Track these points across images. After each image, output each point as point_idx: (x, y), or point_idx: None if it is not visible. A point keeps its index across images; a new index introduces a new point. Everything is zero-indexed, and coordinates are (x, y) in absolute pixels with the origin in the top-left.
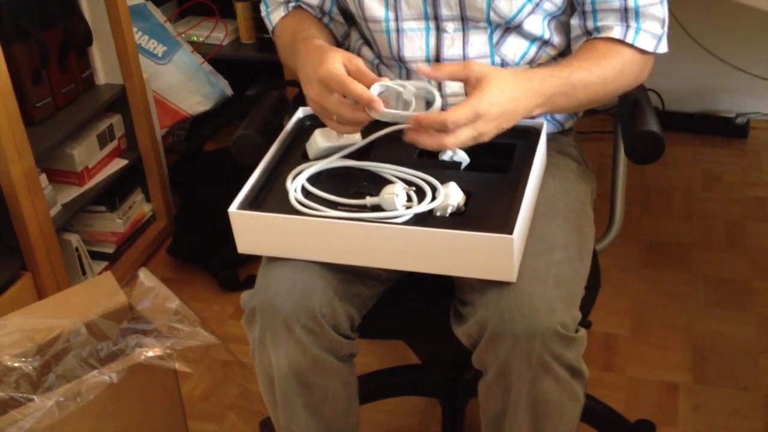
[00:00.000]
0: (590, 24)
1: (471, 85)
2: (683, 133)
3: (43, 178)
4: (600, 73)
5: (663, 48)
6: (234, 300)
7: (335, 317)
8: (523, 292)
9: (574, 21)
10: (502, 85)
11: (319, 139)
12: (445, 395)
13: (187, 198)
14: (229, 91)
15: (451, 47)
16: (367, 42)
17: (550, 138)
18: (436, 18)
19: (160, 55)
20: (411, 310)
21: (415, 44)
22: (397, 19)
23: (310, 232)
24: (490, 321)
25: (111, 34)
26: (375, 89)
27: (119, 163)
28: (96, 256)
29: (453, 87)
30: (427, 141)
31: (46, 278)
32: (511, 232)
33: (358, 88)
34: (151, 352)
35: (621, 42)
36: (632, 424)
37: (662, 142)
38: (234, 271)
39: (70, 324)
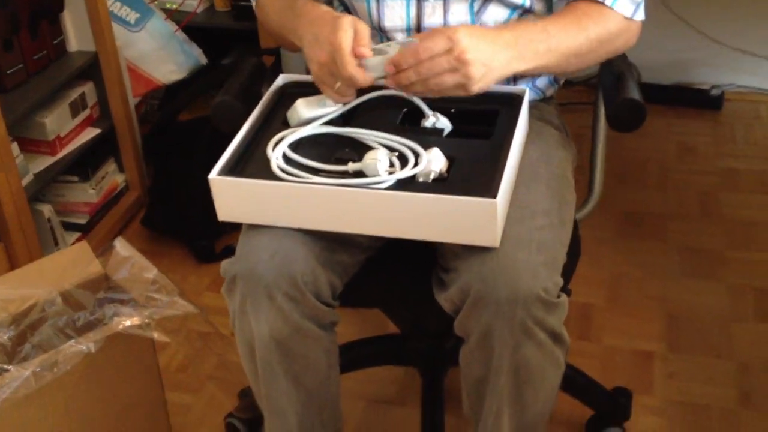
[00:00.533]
0: None
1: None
2: (658, 104)
3: (15, 147)
4: (580, 31)
5: (640, 15)
6: (210, 271)
7: (317, 285)
8: (505, 257)
9: None
10: (476, 30)
11: (301, 109)
12: (426, 364)
13: (161, 168)
14: (203, 60)
15: (432, 15)
16: (348, 10)
17: (532, 105)
18: None
19: (132, 22)
20: (393, 278)
21: (395, 13)
22: None
23: (291, 198)
24: (472, 286)
25: (83, 0)
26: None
27: (91, 132)
28: (69, 226)
29: None
30: (410, 84)
31: (19, 249)
32: (494, 197)
33: (348, 71)
34: (129, 321)
35: (602, 4)
36: (609, 392)
37: (644, 109)
38: (210, 242)
39: (45, 294)
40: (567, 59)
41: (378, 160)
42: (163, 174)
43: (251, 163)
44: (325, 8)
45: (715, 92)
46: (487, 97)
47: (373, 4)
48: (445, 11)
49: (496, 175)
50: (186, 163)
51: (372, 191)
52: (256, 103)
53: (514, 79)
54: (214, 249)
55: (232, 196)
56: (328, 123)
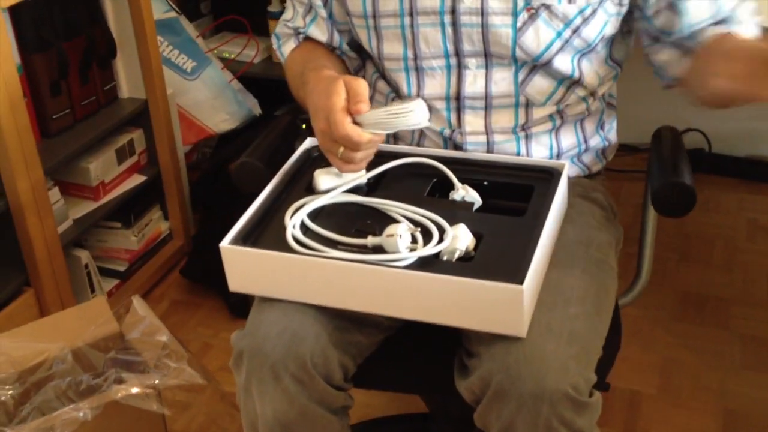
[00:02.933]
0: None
1: None
2: (729, 177)
3: (55, 191)
4: None
5: None
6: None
7: (327, 367)
8: (532, 347)
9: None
10: None
11: (320, 179)
12: None
13: (207, 217)
14: (257, 110)
15: (473, 84)
16: (384, 76)
17: (574, 182)
18: (458, 54)
19: (189, 70)
20: (412, 361)
21: (435, 82)
22: (416, 58)
23: (305, 272)
24: (494, 377)
25: (136, 47)
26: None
27: (138, 179)
28: (107, 273)
29: (473, 125)
30: None
31: (50, 295)
32: (521, 282)
33: (340, 130)
34: (131, 389)
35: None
36: None
37: (694, 195)
38: (246, 297)
39: (57, 350)
40: None
41: (399, 235)
42: (209, 223)
43: (267, 232)
44: (326, 73)
45: None
46: (522, 169)
47: (413, 74)
48: (488, 80)
49: (525, 257)
50: (231, 213)
51: (390, 270)
52: (284, 163)
53: (558, 155)
54: (250, 304)
55: (243, 267)
56: (353, 191)
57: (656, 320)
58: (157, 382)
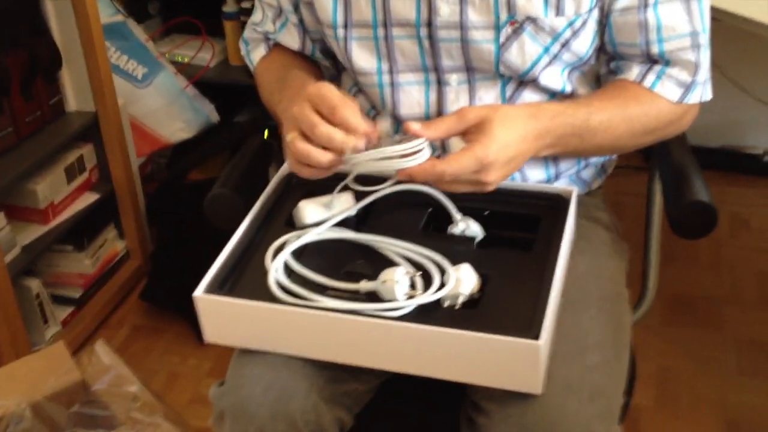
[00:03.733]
0: (612, 63)
1: (471, 132)
2: (706, 170)
3: (1, 217)
4: (625, 117)
5: (694, 98)
6: (213, 353)
7: (320, 424)
8: (552, 407)
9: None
10: (508, 124)
11: (305, 212)
12: None
13: (166, 234)
14: (215, 117)
15: (456, 102)
16: (362, 90)
17: (577, 200)
18: (437, 69)
19: (139, 77)
20: (413, 411)
21: (413, 99)
22: (391, 72)
23: (291, 324)
24: None
25: (83, 56)
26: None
27: (90, 198)
28: (61, 300)
29: (460, 147)
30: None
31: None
32: (537, 337)
33: (351, 113)
34: None
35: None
36: None
37: (716, 215)
38: None
39: (13, 405)
40: (600, 150)
41: (396, 281)
42: (168, 240)
43: (246, 275)
44: (301, 82)
45: None
46: (526, 196)
47: (387, 90)
48: (471, 97)
49: (538, 304)
50: (192, 229)
51: (387, 323)
52: (261, 190)
53: (557, 175)
54: None
55: (220, 317)
56: (341, 224)
57: (647, 326)
58: None
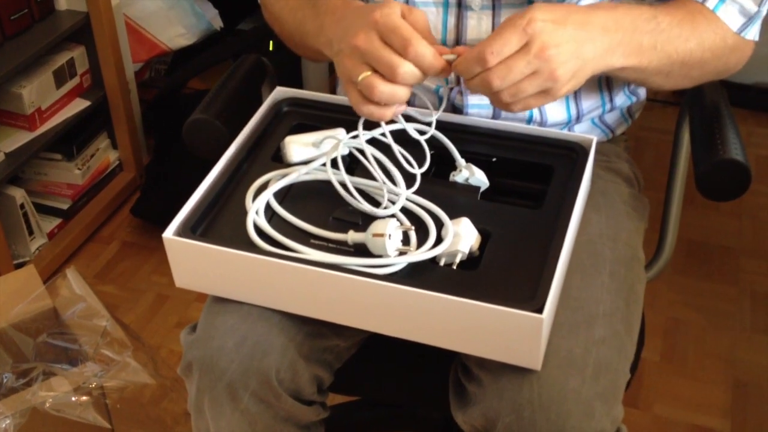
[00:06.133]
0: None
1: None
2: (736, 108)
3: None
4: (694, 33)
5: (752, 34)
6: None
7: (297, 382)
8: (550, 384)
9: None
10: (553, 9)
11: (291, 149)
12: None
13: (162, 146)
14: (218, 24)
15: (477, 29)
16: None
17: (597, 149)
18: None
19: None
20: (399, 368)
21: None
22: None
23: (267, 275)
24: (501, 419)
25: None
26: None
27: (80, 104)
28: (48, 211)
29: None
30: (470, 82)
31: None
32: (540, 310)
33: (426, 50)
34: (60, 391)
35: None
36: None
37: (749, 176)
38: None
39: None
40: (671, 66)
41: (387, 235)
42: (164, 153)
43: (224, 214)
44: (358, 3)
45: None
46: (539, 143)
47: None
48: (495, 25)
49: (545, 270)
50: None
51: (374, 282)
52: (249, 117)
53: (578, 116)
54: None
55: (191, 262)
56: (333, 164)
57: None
58: (93, 384)
